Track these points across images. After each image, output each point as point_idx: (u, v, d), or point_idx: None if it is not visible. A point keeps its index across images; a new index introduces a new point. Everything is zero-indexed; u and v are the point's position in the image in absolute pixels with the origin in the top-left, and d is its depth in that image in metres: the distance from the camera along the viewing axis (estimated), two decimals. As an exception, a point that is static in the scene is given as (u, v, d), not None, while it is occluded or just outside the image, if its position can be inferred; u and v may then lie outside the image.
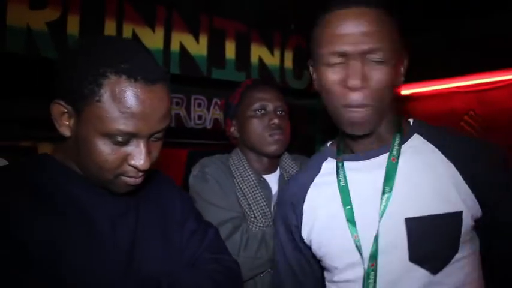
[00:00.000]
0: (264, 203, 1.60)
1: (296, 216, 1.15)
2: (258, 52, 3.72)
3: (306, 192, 1.14)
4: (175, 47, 3.27)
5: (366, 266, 1.00)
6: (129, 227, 1.03)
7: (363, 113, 0.98)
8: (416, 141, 1.09)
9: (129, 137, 0.91)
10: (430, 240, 0.97)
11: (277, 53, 3.84)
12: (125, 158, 0.93)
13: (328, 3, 1.02)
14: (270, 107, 1.66)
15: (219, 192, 1.60)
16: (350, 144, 1.12)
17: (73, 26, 2.80)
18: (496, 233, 1.06)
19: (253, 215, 1.58)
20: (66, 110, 0.92)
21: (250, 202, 1.59)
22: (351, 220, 1.03)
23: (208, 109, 4.31)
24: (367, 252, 1.00)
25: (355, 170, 1.08)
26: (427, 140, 1.09)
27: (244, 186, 1.62)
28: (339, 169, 1.09)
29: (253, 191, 1.61)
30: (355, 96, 0.97)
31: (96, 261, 0.95)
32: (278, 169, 1.75)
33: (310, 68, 1.11)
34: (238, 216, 1.56)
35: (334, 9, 0.99)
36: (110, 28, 2.95)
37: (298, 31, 3.93)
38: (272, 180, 1.72)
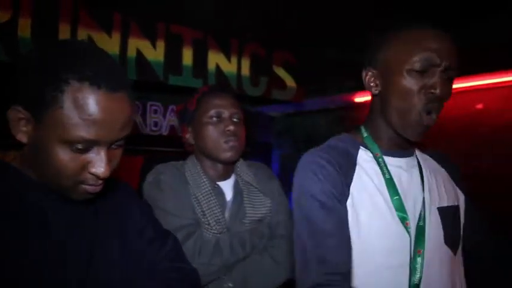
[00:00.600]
0: (218, 210, 1.61)
1: (344, 190, 1.14)
2: (215, 59, 3.73)
3: (353, 172, 1.17)
4: (131, 52, 3.24)
5: (412, 252, 1.10)
6: (87, 235, 1.01)
7: (433, 122, 1.10)
8: (418, 151, 1.28)
9: (89, 145, 0.89)
10: (451, 225, 1.17)
11: (234, 60, 3.86)
12: (85, 166, 0.91)
13: (414, 20, 1.13)
14: (226, 113, 1.67)
15: (173, 199, 1.59)
16: (393, 143, 1.20)
17: (25, 29, 2.72)
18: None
19: (207, 222, 1.58)
20: (24, 116, 0.89)
21: (204, 209, 1.59)
22: (401, 209, 1.12)
23: (164, 116, 4.28)
24: (413, 238, 1.12)
25: (394, 165, 1.18)
26: (421, 152, 1.30)
27: (199, 193, 1.62)
28: (381, 163, 1.17)
29: (207, 198, 1.61)
30: (437, 105, 1.09)
31: (53, 269, 0.92)
32: (233, 176, 1.76)
33: (370, 73, 1.19)
34: (192, 223, 1.56)
35: (422, 27, 1.11)
36: (64, 32, 2.88)
37: (255, 39, 3.98)
38: (227, 186, 1.72)
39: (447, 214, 1.17)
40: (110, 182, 1.02)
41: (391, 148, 1.20)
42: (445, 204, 1.18)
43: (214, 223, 1.58)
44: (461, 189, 1.29)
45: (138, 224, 1.15)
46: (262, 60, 4.04)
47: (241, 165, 1.79)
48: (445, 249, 1.15)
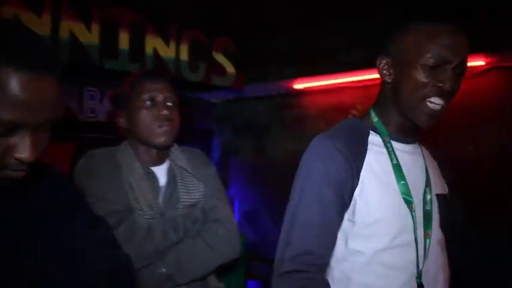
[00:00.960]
0: (151, 195, 1.60)
1: (353, 175, 1.18)
2: (152, 43, 3.65)
3: (365, 155, 1.21)
4: (64, 34, 3.09)
5: (419, 233, 1.19)
6: (19, 224, 0.97)
7: (441, 109, 1.17)
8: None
9: (11, 128, 0.84)
10: (444, 211, 1.27)
11: (172, 45, 3.79)
12: (8, 150, 0.86)
13: (429, 16, 1.21)
14: (160, 97, 1.64)
15: (104, 185, 1.56)
16: (400, 129, 1.27)
17: None
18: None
19: (140, 207, 1.57)
20: None
21: (137, 194, 1.58)
22: (407, 193, 1.20)
23: (101, 101, 4.14)
24: (420, 220, 1.21)
25: (402, 151, 1.26)
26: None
27: (131, 178, 1.60)
28: (389, 148, 1.24)
29: (139, 183, 1.60)
30: (441, 96, 1.16)
31: None
32: (167, 161, 1.75)
33: (384, 61, 1.25)
34: (124, 209, 1.54)
35: (438, 24, 1.17)
36: (-14, 10, 2.71)
37: (195, 24, 3.93)
38: (160, 172, 1.71)
39: (441, 201, 1.29)
40: (39, 168, 0.98)
41: (398, 133, 1.27)
42: (439, 192, 1.30)
43: (147, 208, 1.57)
44: (446, 180, 1.40)
45: (70, 211, 1.12)
46: (201, 46, 3.99)
47: (176, 151, 1.78)
48: (441, 233, 1.26)
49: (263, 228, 4.81)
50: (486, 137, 3.42)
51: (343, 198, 1.18)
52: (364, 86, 3.96)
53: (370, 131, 1.27)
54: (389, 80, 1.24)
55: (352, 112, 3.94)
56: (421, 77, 1.15)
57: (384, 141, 1.25)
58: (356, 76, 3.87)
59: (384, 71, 1.25)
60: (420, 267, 1.18)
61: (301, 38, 4.01)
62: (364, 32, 3.60)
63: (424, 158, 1.33)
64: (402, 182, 1.20)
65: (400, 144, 1.27)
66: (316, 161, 1.19)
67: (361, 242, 1.18)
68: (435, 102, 1.16)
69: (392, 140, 1.26)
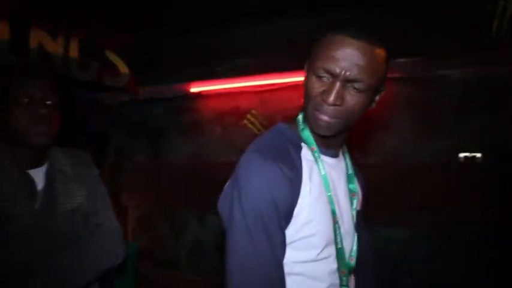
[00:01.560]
0: (27, 200, 1.50)
1: (291, 193, 1.11)
2: (38, 37, 3.39)
3: (302, 171, 1.16)
4: None
5: (340, 244, 1.20)
6: None
7: (329, 122, 1.15)
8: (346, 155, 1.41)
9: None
10: (362, 225, 1.34)
11: (60, 40, 3.55)
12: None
13: (337, 27, 1.15)
14: (38, 95, 1.52)
15: None
16: (321, 139, 1.24)
17: None
18: None
19: (15, 213, 1.46)
20: None
21: (11, 199, 1.45)
22: (332, 204, 1.19)
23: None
24: (344, 232, 1.24)
25: (328, 164, 1.25)
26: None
27: (5, 182, 1.47)
28: (317, 158, 1.21)
29: (14, 188, 1.48)
30: (328, 110, 1.14)
31: None
32: (46, 163, 1.63)
33: (306, 65, 1.23)
34: None
35: (338, 34, 1.12)
36: None
37: (87, 21, 3.73)
38: (38, 175, 1.59)
39: (359, 215, 1.36)
40: None
41: (325, 146, 1.26)
42: (358, 208, 1.36)
43: (23, 213, 1.46)
44: (363, 194, 1.48)
45: None
46: (93, 44, 3.80)
47: (56, 152, 1.66)
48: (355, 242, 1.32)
49: (158, 234, 4.69)
50: (375, 143, 3.64)
51: (285, 220, 1.13)
52: (259, 91, 4.04)
53: (302, 144, 1.24)
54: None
55: (247, 117, 4.03)
56: (312, 85, 1.15)
57: (311, 150, 1.22)
58: (252, 81, 3.93)
59: (304, 78, 1.23)
60: (344, 278, 1.22)
61: (198, 41, 3.99)
62: (262, 38, 3.66)
63: (347, 169, 1.35)
64: (329, 194, 1.20)
65: (326, 157, 1.26)
66: (262, 184, 1.09)
67: (292, 253, 1.15)
68: (320, 114, 1.15)
69: (322, 153, 1.25)
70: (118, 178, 4.98)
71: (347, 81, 1.10)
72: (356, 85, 1.11)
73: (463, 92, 3.38)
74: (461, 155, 3.34)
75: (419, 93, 3.51)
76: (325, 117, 1.14)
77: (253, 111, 4.03)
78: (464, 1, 2.96)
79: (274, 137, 1.23)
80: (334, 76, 1.10)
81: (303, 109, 1.24)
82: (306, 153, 1.21)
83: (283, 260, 1.13)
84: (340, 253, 1.20)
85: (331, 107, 1.12)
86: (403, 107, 3.57)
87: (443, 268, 3.34)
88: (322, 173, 1.20)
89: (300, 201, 1.12)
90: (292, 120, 1.30)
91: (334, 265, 1.20)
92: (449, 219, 3.27)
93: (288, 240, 1.13)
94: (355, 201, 1.33)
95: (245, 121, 4.04)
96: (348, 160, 1.38)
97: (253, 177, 1.09)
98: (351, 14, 3.21)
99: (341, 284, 1.21)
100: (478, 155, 3.29)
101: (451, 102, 3.41)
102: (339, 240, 1.19)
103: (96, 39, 3.81)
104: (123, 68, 4.02)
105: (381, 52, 1.13)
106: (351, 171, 1.36)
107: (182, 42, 4.06)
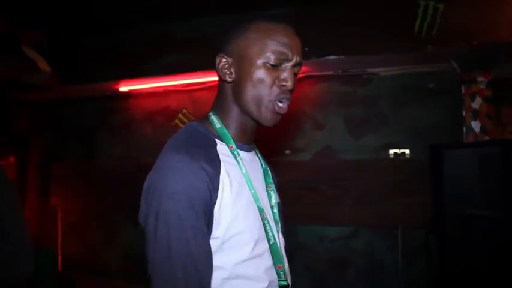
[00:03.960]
0: None
1: (211, 191, 1.05)
2: None
3: (220, 166, 1.10)
4: None
5: (273, 239, 1.18)
6: None
7: (285, 109, 1.17)
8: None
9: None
10: (282, 218, 1.31)
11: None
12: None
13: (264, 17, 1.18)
14: None
15: None
16: (243, 134, 1.24)
17: None
18: None
19: None
20: None
21: None
22: (257, 201, 1.17)
23: None
24: (272, 226, 1.22)
25: (245, 159, 1.22)
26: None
27: None
28: (237, 156, 1.18)
29: None
30: (288, 95, 1.16)
31: None
32: None
33: (225, 60, 1.20)
34: None
35: (278, 23, 1.17)
36: None
37: (2, 13, 3.46)
38: None
39: (279, 208, 1.32)
40: None
41: (240, 140, 1.23)
42: (278, 200, 1.32)
43: None
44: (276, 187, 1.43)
45: None
46: (8, 38, 3.53)
47: None
48: (282, 237, 1.31)
49: (89, 240, 4.48)
50: (308, 140, 3.62)
51: (209, 220, 1.06)
52: (190, 89, 3.92)
53: (217, 140, 1.18)
54: (231, 80, 1.19)
55: (178, 116, 3.90)
56: (264, 76, 1.14)
57: (230, 148, 1.19)
58: (182, 79, 3.81)
59: (225, 70, 1.20)
60: (282, 272, 1.20)
61: (128, 38, 3.82)
62: (193, 35, 3.55)
63: (261, 163, 1.34)
64: (253, 191, 1.17)
65: (243, 152, 1.23)
66: (180, 182, 1.01)
67: (221, 257, 1.09)
68: (281, 102, 1.16)
69: (238, 147, 1.21)
70: (47, 182, 4.72)
71: (294, 66, 1.17)
72: (298, 69, 1.19)
73: (392, 90, 3.42)
74: (391, 151, 3.37)
75: (350, 91, 3.53)
76: (285, 106, 1.17)
77: (184, 111, 3.92)
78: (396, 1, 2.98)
79: (189, 133, 1.18)
80: (288, 61, 1.16)
81: (218, 107, 1.24)
82: (221, 149, 1.16)
83: (210, 258, 1.07)
84: (274, 248, 1.18)
85: (290, 92, 1.17)
86: (335, 104, 3.57)
87: (386, 262, 3.38)
88: (244, 171, 1.18)
89: (219, 197, 1.07)
90: (204, 120, 1.25)
91: (270, 261, 1.18)
92: (387, 214, 3.31)
93: (219, 242, 1.08)
94: (272, 193, 1.31)
95: (176, 121, 3.92)
96: (259, 154, 1.37)
97: (170, 176, 1.02)
98: (278, 11, 3.19)
99: (279, 279, 1.20)
100: (407, 151, 3.33)
101: (381, 100, 3.45)
102: (270, 235, 1.18)
103: (11, 33, 3.55)
104: (43, 65, 3.77)
105: None
106: (264, 164, 1.35)
107: (111, 39, 3.88)
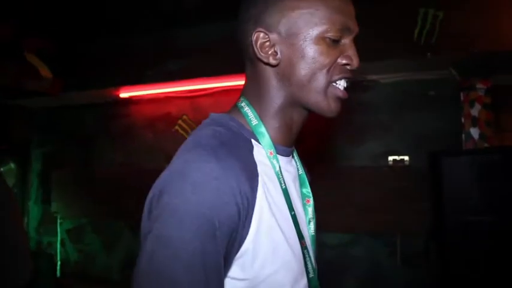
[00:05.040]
0: None
1: (243, 218, 0.78)
2: None
3: (258, 181, 0.83)
4: None
5: (312, 272, 0.93)
6: None
7: (347, 93, 0.94)
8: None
9: None
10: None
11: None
12: None
13: None
14: None
15: None
16: (281, 130, 0.96)
17: None
18: None
19: None
20: None
21: None
22: (297, 226, 0.90)
23: None
24: (311, 257, 0.95)
25: (285, 169, 0.96)
26: None
27: None
28: (276, 166, 0.90)
29: None
30: (349, 75, 0.93)
31: None
32: None
33: (267, 37, 0.91)
34: None
35: None
36: None
37: (3, 19, 3.49)
38: None
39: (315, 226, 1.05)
40: None
41: (281, 141, 0.96)
42: (312, 216, 1.05)
43: None
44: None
45: None
46: (10, 44, 3.55)
47: None
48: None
49: (89, 247, 4.47)
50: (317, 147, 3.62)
51: (227, 253, 0.78)
52: (190, 96, 3.93)
53: (253, 141, 0.92)
54: (276, 62, 0.91)
55: (178, 122, 3.91)
56: (325, 53, 0.89)
57: (269, 155, 0.91)
58: (183, 86, 3.82)
59: (267, 49, 0.91)
60: None
61: (129, 45, 3.84)
62: (194, 41, 3.57)
63: (298, 169, 1.06)
64: (292, 213, 0.91)
65: (283, 158, 0.96)
66: (203, 202, 0.73)
67: None
68: (343, 84, 0.93)
69: (278, 153, 0.94)
70: (47, 188, 4.73)
71: (354, 38, 0.93)
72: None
73: (392, 96, 3.43)
74: (391, 158, 3.37)
75: (350, 97, 3.53)
76: (344, 91, 0.93)
77: (184, 117, 3.92)
78: (397, 7, 3.00)
79: (217, 129, 0.89)
80: (350, 33, 0.92)
81: (252, 97, 0.97)
82: (258, 154, 0.89)
83: None
84: (313, 283, 0.94)
85: (352, 73, 0.94)
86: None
87: (385, 270, 3.37)
88: (283, 186, 0.91)
89: (254, 227, 0.80)
90: (235, 111, 0.97)
91: None
92: (387, 221, 3.30)
93: (246, 285, 0.82)
94: (310, 209, 1.02)
95: (176, 127, 3.92)
96: (297, 156, 1.09)
97: (188, 191, 0.74)
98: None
99: None
100: (406, 158, 3.33)
101: (380, 106, 3.46)
102: (310, 268, 0.93)
103: (14, 40, 3.57)
104: (45, 72, 3.79)
105: None
106: (301, 171, 1.07)
107: (112, 45, 3.90)
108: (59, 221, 4.61)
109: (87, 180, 4.51)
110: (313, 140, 3.62)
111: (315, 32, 0.88)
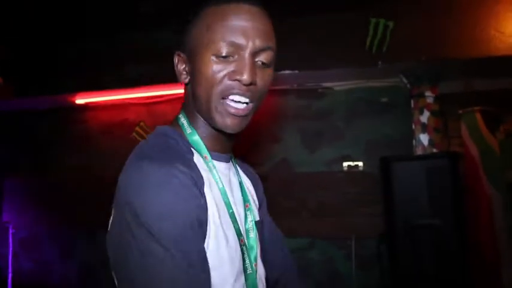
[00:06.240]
0: None
1: (205, 210, 0.89)
2: None
3: (203, 181, 0.93)
4: None
5: (250, 268, 0.98)
6: None
7: (244, 109, 0.96)
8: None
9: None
10: (261, 240, 1.13)
11: None
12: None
13: None
14: None
15: None
16: (212, 139, 1.04)
17: None
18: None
19: None
20: None
21: None
22: (235, 223, 0.98)
23: None
24: (250, 255, 1.01)
25: (221, 172, 1.03)
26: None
27: None
28: (212, 169, 0.99)
29: None
30: (245, 92, 0.94)
31: None
32: None
33: (178, 57, 1.03)
34: None
35: (228, 3, 0.94)
36: None
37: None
38: None
39: (259, 229, 1.12)
40: None
41: (215, 148, 1.04)
42: (257, 219, 1.14)
43: None
44: (260, 201, 1.26)
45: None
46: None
47: None
48: (262, 265, 1.10)
49: (44, 256, 4.35)
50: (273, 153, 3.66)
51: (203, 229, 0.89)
52: (147, 102, 3.91)
53: (192, 149, 1.00)
54: (186, 81, 1.02)
55: (135, 129, 3.87)
56: (213, 70, 0.93)
57: (204, 159, 0.99)
58: (140, 92, 3.79)
59: (181, 70, 1.02)
60: None
61: (85, 49, 3.78)
62: (150, 46, 3.54)
63: (238, 176, 1.14)
64: (230, 211, 0.98)
65: (219, 162, 1.04)
66: (166, 196, 0.81)
67: None
68: (235, 100, 0.95)
69: (213, 158, 1.02)
70: (-1, 196, 4.57)
71: (255, 54, 0.94)
72: (264, 56, 0.96)
73: (346, 103, 3.51)
74: (345, 163, 3.45)
75: (306, 104, 3.60)
76: (241, 107, 0.95)
77: (141, 124, 3.88)
78: (350, 16, 3.08)
79: (161, 139, 0.98)
80: (242, 49, 0.93)
81: (186, 111, 1.05)
82: (198, 160, 0.98)
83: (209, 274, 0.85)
84: (251, 279, 0.98)
85: (246, 88, 0.94)
86: (291, 117, 3.63)
87: (341, 272, 3.43)
88: (220, 186, 0.98)
89: (209, 222, 0.90)
90: (174, 123, 1.06)
91: None
92: (342, 225, 3.37)
93: None
94: (249, 214, 1.09)
95: (134, 134, 3.88)
96: (236, 164, 1.18)
97: (149, 191, 0.81)
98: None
99: None
100: (360, 163, 3.41)
101: (335, 113, 3.53)
102: (247, 264, 0.98)
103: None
104: (-5, 76, 3.69)
105: (269, 15, 1.00)
106: (240, 178, 1.15)
107: (68, 50, 3.83)
108: (11, 230, 4.46)
109: (41, 188, 4.38)
110: (268, 146, 3.67)
111: (204, 50, 0.94)
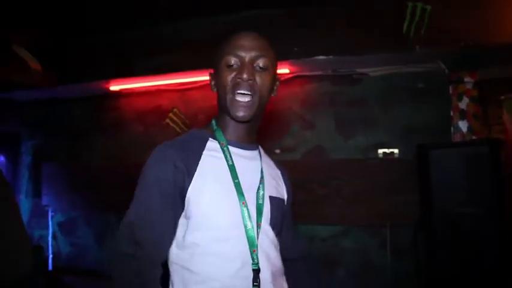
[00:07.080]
0: None
1: (184, 178, 1.25)
2: None
3: (200, 157, 1.30)
4: None
5: (251, 225, 1.30)
6: None
7: (250, 101, 1.31)
8: (262, 151, 1.55)
9: None
10: (276, 212, 1.42)
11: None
12: None
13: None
14: None
15: None
16: (237, 135, 1.40)
17: None
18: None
19: None
20: None
21: None
22: (239, 190, 1.31)
23: None
24: (253, 214, 1.32)
25: (239, 155, 1.38)
26: (265, 153, 1.57)
27: None
28: (225, 151, 1.35)
29: None
30: (247, 87, 1.30)
31: None
32: None
33: (210, 74, 1.43)
34: None
35: (236, 33, 1.36)
36: None
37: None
38: None
39: (274, 202, 1.42)
40: None
41: (237, 139, 1.40)
42: (274, 195, 1.44)
43: None
44: (287, 190, 1.59)
45: None
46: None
47: None
48: (270, 228, 1.39)
49: (80, 239, 4.47)
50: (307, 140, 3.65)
51: (176, 200, 1.26)
52: (181, 89, 3.93)
53: (210, 138, 1.39)
54: (215, 90, 1.41)
55: (169, 115, 3.91)
56: (224, 76, 1.32)
57: (221, 145, 1.37)
58: (173, 79, 3.81)
59: (212, 83, 1.42)
60: (255, 256, 1.31)
61: (119, 39, 3.82)
62: (184, 35, 3.56)
63: (261, 162, 1.47)
64: (236, 181, 1.32)
65: (237, 149, 1.40)
66: (151, 167, 1.27)
67: (196, 234, 1.26)
68: (240, 92, 1.30)
69: (231, 145, 1.38)
70: (37, 181, 4.70)
71: (253, 61, 1.31)
72: (261, 63, 1.32)
73: (382, 90, 3.45)
74: (380, 151, 3.40)
75: (340, 91, 3.55)
76: (245, 99, 1.31)
77: (175, 110, 3.91)
78: (386, 1, 3.01)
79: (185, 135, 1.40)
80: (242, 58, 1.31)
81: (217, 114, 1.43)
82: (211, 145, 1.36)
83: (172, 222, 1.27)
84: (249, 233, 1.30)
85: (247, 83, 1.30)
86: (325, 104, 3.60)
87: (375, 261, 3.41)
88: (230, 163, 1.34)
89: (194, 182, 1.26)
90: (207, 126, 1.46)
91: (246, 245, 1.29)
92: (377, 213, 3.33)
93: (194, 221, 1.27)
94: (261, 186, 1.42)
95: (167, 120, 3.92)
96: (262, 156, 1.52)
97: (150, 162, 1.27)
98: (270, 11, 3.22)
99: (252, 263, 1.30)
100: (396, 150, 3.36)
101: (370, 100, 3.48)
102: (247, 221, 1.30)
103: (2, 32, 3.53)
104: (35, 65, 3.76)
105: (268, 41, 1.38)
106: (262, 164, 1.48)
107: (102, 38, 3.88)
108: (50, 214, 4.59)
109: (77, 173, 4.49)
110: (302, 132, 3.65)
111: (220, 63, 1.35)
